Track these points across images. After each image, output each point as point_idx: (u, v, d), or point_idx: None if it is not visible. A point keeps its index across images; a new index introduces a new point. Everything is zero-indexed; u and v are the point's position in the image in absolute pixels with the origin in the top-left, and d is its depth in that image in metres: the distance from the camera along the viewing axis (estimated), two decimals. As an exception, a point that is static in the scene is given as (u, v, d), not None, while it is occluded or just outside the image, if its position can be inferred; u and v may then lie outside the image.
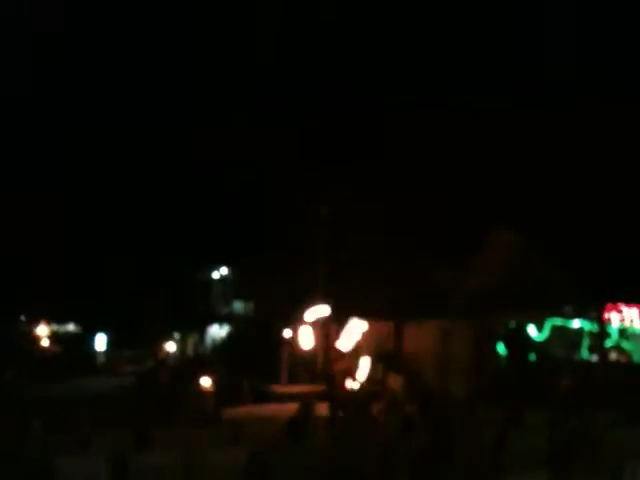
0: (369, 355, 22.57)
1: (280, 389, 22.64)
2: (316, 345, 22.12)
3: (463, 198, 21.68)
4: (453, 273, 21.92)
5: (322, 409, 16.17)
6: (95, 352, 40.28)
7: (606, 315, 20.89)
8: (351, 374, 21.93)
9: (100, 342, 40.33)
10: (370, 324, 23.21)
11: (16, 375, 29.60)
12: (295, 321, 24.08)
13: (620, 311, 21.02)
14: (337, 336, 23.19)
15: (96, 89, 29.78)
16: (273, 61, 25.61)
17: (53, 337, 41.11)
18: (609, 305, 20.89)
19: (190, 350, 36.40)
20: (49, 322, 41.04)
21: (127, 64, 29.40)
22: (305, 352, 23.58)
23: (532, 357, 21.26)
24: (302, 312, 23.47)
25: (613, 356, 21.21)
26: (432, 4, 24.02)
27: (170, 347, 37.36)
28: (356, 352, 22.96)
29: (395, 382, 21.30)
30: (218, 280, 36.81)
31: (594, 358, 21.09)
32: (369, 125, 23.74)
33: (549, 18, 23.56)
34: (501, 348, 21.42)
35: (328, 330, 23.19)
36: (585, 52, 23.39)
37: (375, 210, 22.76)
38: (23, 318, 40.69)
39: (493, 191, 21.19)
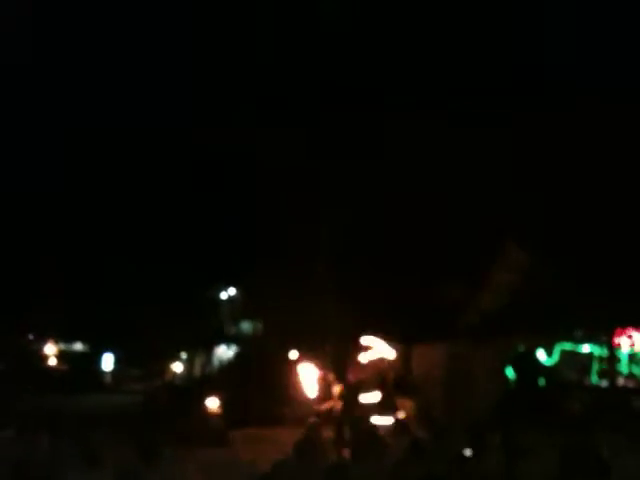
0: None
1: (287, 411, 22.51)
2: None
3: (470, 212, 21.26)
4: (463, 292, 21.59)
5: (330, 431, 16.10)
6: (102, 371, 40.28)
7: (616, 340, 20.80)
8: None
9: (107, 361, 40.33)
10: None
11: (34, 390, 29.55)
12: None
13: (630, 336, 20.93)
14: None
15: (96, 89, 29.58)
16: (273, 61, 25.43)
17: (60, 356, 41.09)
18: (619, 330, 20.81)
19: (197, 370, 36.31)
20: (57, 341, 41.03)
21: (127, 64, 29.18)
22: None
23: (542, 382, 21.13)
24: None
25: (622, 381, 21.11)
26: (432, 3, 23.92)
27: (177, 367, 37.30)
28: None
29: (403, 406, 21.15)
30: (226, 300, 36.78)
31: (604, 383, 20.97)
32: (370, 129, 23.31)
33: (549, 18, 23.44)
34: (510, 372, 21.29)
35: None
36: (585, 52, 23.21)
37: (379, 226, 22.41)
38: (31, 337, 40.70)
39: (502, 205, 20.78)
